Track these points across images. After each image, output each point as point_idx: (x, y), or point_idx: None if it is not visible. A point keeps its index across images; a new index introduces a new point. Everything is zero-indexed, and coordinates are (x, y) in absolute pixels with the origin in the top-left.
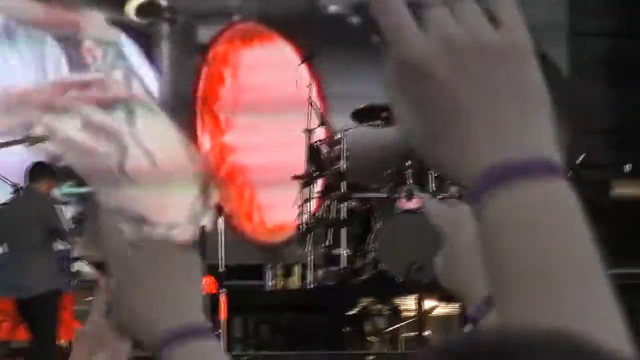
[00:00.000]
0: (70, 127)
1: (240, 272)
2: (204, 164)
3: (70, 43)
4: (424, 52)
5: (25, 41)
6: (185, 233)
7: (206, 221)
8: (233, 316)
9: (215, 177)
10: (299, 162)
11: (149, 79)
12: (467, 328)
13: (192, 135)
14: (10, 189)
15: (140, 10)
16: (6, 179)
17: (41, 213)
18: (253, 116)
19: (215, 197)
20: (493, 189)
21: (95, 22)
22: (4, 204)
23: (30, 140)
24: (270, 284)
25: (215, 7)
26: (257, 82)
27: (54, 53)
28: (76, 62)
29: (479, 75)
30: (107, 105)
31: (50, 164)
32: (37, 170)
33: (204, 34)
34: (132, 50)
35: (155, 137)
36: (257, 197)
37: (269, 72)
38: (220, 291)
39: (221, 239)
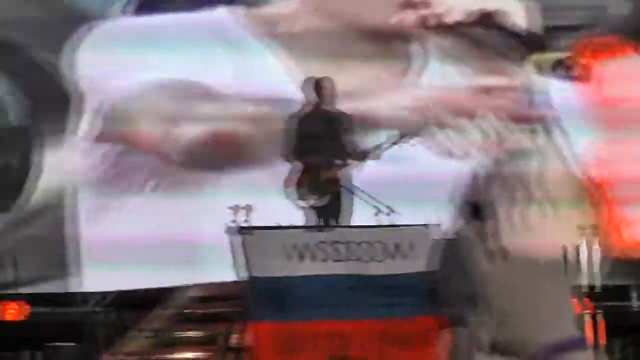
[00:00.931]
0: (476, 132)
1: (607, 291)
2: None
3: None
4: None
5: None
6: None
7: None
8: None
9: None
10: None
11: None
12: None
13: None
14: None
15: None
16: (372, 200)
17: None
18: (619, 130)
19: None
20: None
21: (524, 69)
22: None
23: (400, 140)
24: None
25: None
26: (618, 95)
27: None
28: None
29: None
30: (519, 120)
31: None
32: (470, 212)
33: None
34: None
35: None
36: (625, 211)
37: (630, 86)
38: (597, 312)
39: (594, 257)
